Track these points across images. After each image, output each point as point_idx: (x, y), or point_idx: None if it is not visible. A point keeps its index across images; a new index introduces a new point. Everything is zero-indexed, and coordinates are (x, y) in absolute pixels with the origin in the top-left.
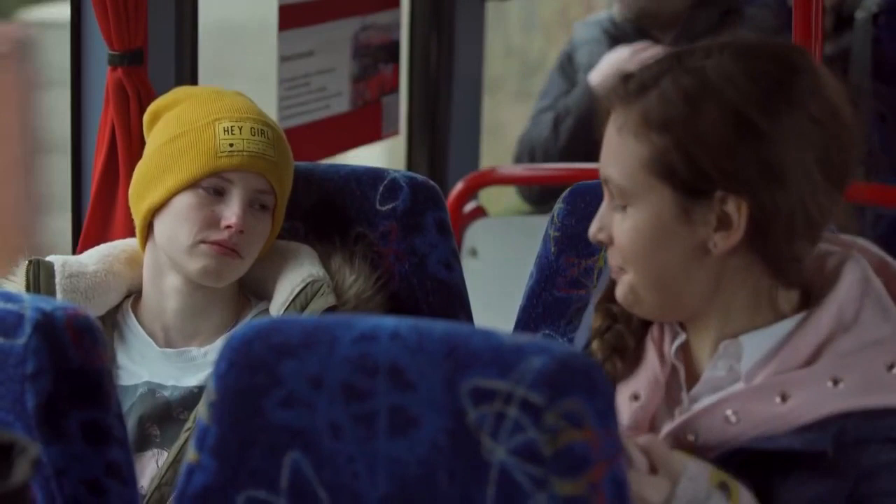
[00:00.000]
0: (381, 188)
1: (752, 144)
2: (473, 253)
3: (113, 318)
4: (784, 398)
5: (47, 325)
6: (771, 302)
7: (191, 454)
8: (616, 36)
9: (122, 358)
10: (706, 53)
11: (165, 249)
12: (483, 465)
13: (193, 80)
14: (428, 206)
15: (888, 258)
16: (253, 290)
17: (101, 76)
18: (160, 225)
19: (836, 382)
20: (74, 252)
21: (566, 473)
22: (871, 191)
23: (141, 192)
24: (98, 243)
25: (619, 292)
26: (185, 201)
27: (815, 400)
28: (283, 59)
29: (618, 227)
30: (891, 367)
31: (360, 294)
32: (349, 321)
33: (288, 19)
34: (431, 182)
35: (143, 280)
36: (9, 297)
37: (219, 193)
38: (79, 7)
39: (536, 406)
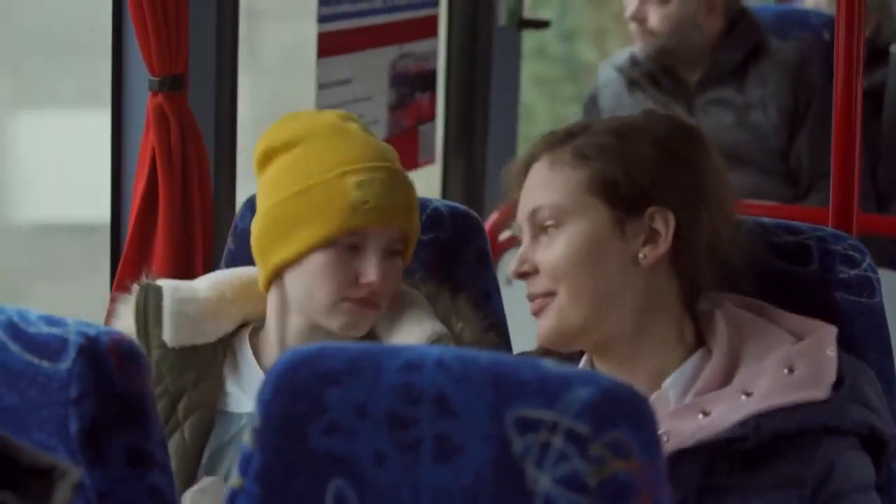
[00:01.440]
0: (423, 217)
1: (677, 168)
2: (509, 282)
3: (227, 346)
4: (705, 413)
5: (91, 350)
6: (679, 332)
7: (235, 479)
8: (637, 78)
9: (231, 385)
10: (616, 118)
11: (301, 304)
12: (527, 495)
13: (233, 107)
14: (470, 236)
15: (750, 300)
16: (370, 334)
17: (142, 102)
18: (294, 280)
19: (748, 395)
20: (112, 278)
21: (611, 503)
22: None
23: (268, 244)
24: (138, 270)
25: (543, 325)
26: (321, 260)
27: (732, 409)
28: (322, 86)
29: (545, 252)
30: (791, 371)
31: (472, 341)
32: (395, 350)
33: (327, 47)
34: (473, 212)
35: (267, 314)
36: (52, 321)
37: (354, 248)
38: (120, 31)
39: (582, 436)
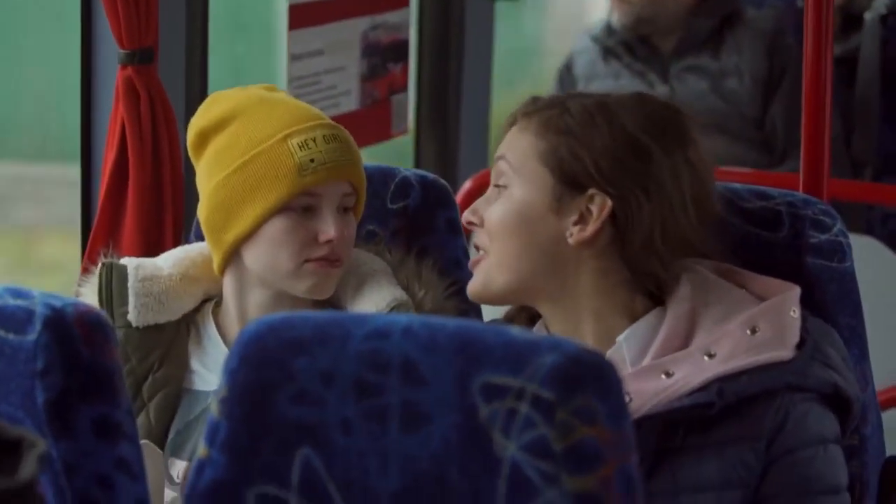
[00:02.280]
0: (392, 186)
1: (636, 160)
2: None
3: (190, 323)
4: (668, 374)
5: (57, 322)
6: (628, 308)
7: (201, 449)
8: (612, 46)
9: (195, 363)
10: (608, 95)
11: (262, 274)
12: (494, 461)
13: (204, 79)
14: (439, 205)
15: (720, 264)
16: (331, 303)
17: (111, 75)
18: (252, 252)
19: (710, 356)
20: (84, 250)
21: (577, 469)
22: (878, 190)
23: (219, 223)
24: (108, 242)
25: (472, 282)
26: (277, 226)
27: (695, 371)
28: (293, 57)
29: (492, 208)
30: (754, 332)
31: (434, 307)
32: (362, 317)
33: (297, 18)
34: (442, 181)
35: (224, 294)
36: (18, 293)
37: (307, 209)
38: (89, 5)
39: (548, 402)
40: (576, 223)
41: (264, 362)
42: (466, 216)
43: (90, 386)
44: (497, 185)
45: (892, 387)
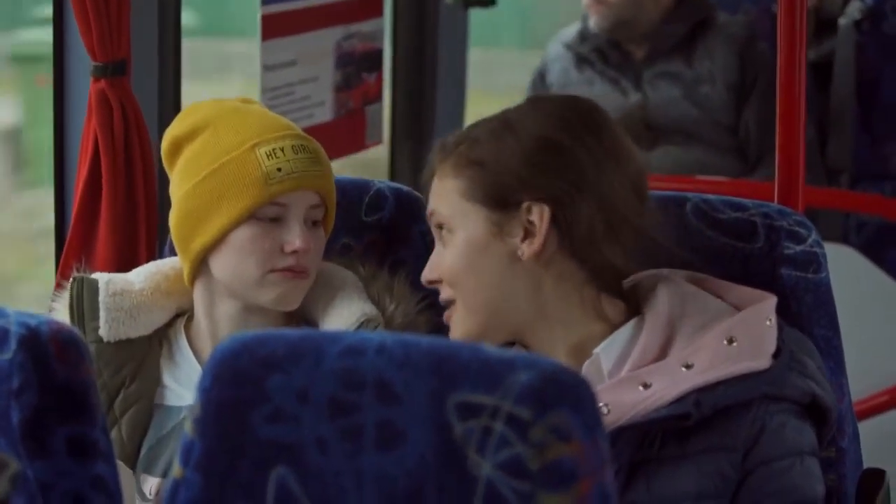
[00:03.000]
0: (366, 199)
1: (551, 160)
2: None
3: (162, 337)
4: (646, 386)
5: (32, 340)
6: (598, 311)
7: (176, 469)
8: (586, 53)
9: (167, 378)
10: (508, 110)
11: (228, 283)
12: (470, 480)
13: (177, 91)
14: (413, 217)
15: (696, 274)
16: (302, 317)
17: (84, 87)
18: (219, 261)
19: (688, 367)
20: (58, 262)
21: (553, 487)
22: (853, 198)
23: (187, 232)
24: (81, 255)
25: (453, 334)
26: (243, 235)
27: (672, 382)
28: (266, 68)
29: (443, 259)
30: (731, 342)
31: (404, 322)
32: (336, 335)
33: (271, 28)
34: (417, 193)
35: (195, 307)
36: None
37: (274, 219)
38: (61, 17)
39: (523, 420)
40: (523, 239)
41: (238, 380)
42: (426, 276)
43: (65, 405)
44: (440, 236)
45: (869, 397)
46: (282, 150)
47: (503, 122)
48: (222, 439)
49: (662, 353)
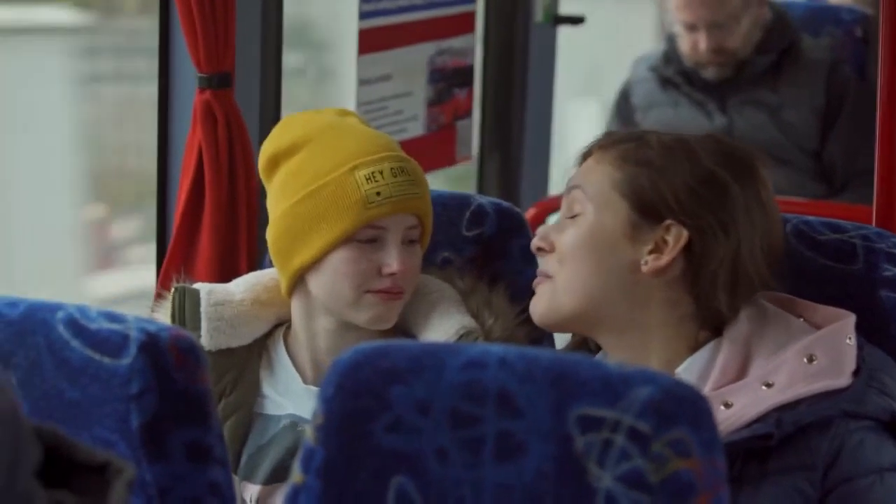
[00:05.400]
0: (467, 214)
1: (713, 194)
2: None
3: (262, 347)
4: (727, 406)
5: (152, 346)
6: (691, 343)
7: (296, 475)
8: (671, 76)
9: (267, 388)
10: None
11: (326, 302)
12: (589, 492)
13: (277, 104)
14: (513, 232)
15: (779, 294)
16: (401, 329)
17: (189, 98)
18: (316, 280)
19: (768, 385)
20: (158, 274)
21: (672, 501)
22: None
23: (285, 250)
24: (183, 266)
25: (536, 303)
26: (341, 256)
27: (754, 401)
28: (362, 82)
29: (566, 232)
30: (811, 360)
31: (504, 335)
32: (456, 347)
33: (367, 43)
34: (517, 209)
35: (293, 319)
36: (114, 318)
37: (372, 240)
38: (167, 29)
39: (644, 435)
40: (651, 252)
41: (360, 391)
42: (536, 242)
43: (183, 410)
44: (569, 216)
45: None
46: (381, 172)
47: (681, 142)
48: (344, 447)
49: (742, 373)
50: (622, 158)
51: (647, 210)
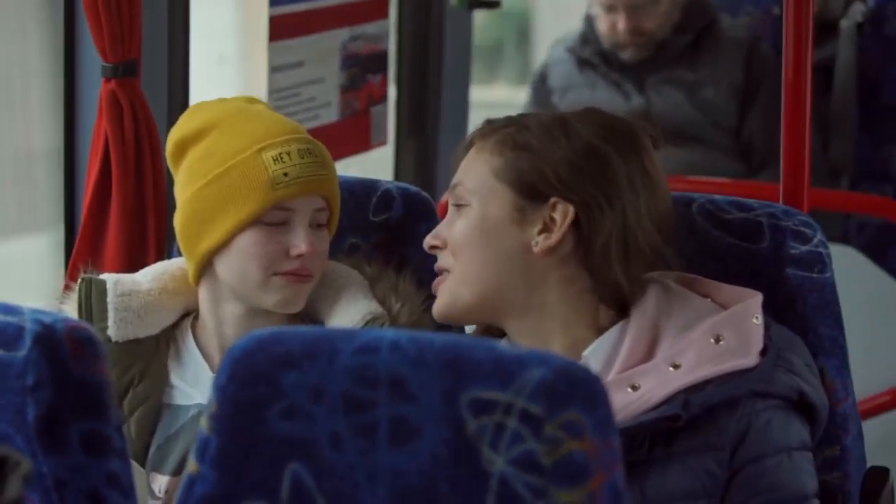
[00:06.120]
0: (374, 199)
1: (594, 167)
2: None
3: (170, 337)
4: (634, 388)
5: (47, 337)
6: (593, 319)
7: (191, 465)
8: (588, 57)
9: (175, 378)
10: (563, 112)
11: (233, 285)
12: (483, 476)
13: (185, 91)
14: (420, 217)
15: (686, 275)
16: (308, 316)
17: (94, 88)
18: (224, 263)
19: (675, 367)
20: (67, 264)
21: (566, 483)
22: (858, 200)
23: (193, 234)
24: (91, 257)
25: (438, 302)
26: (249, 239)
27: (661, 383)
28: (273, 69)
29: (453, 228)
30: (718, 340)
31: (410, 321)
32: (350, 332)
33: (278, 30)
34: (424, 193)
35: (201, 307)
36: (9, 310)
37: (280, 223)
38: (72, 18)
39: (536, 417)
40: (540, 232)
41: (254, 378)
42: (428, 240)
43: (80, 401)
44: (457, 206)
45: (871, 397)
46: (288, 154)
47: (558, 120)
48: (237, 435)
49: (650, 354)
50: (501, 143)
51: (530, 191)
